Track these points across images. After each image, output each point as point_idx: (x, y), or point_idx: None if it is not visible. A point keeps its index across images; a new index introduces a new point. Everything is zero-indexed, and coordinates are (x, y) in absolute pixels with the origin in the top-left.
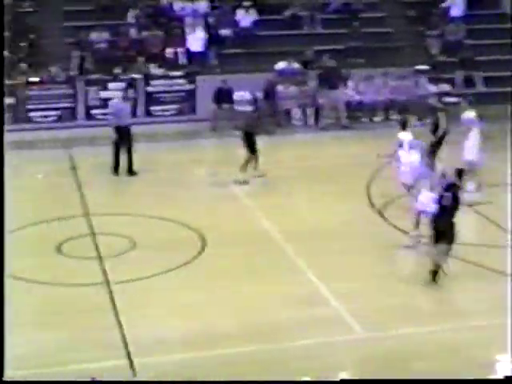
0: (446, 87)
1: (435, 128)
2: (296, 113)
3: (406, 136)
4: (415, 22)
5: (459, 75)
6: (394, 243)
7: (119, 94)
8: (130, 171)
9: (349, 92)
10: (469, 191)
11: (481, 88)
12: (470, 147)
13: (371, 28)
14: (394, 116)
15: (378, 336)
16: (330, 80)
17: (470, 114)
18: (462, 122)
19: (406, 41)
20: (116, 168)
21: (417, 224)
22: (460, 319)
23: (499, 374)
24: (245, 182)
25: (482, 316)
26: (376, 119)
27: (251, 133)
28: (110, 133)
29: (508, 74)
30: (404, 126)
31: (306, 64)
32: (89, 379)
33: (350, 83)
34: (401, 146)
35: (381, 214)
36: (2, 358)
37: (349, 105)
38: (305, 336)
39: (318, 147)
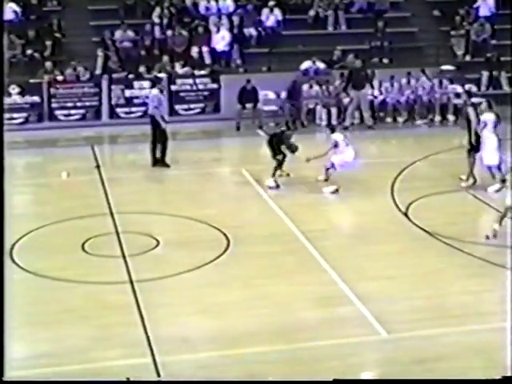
0: (470, 88)
1: (468, 124)
2: (320, 112)
3: (338, 136)
4: (440, 22)
5: (484, 75)
6: (418, 244)
7: (157, 86)
8: (163, 162)
9: (373, 92)
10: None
11: (506, 88)
12: (491, 151)
13: (396, 28)
14: (419, 116)
15: (402, 337)
16: (355, 80)
17: (488, 117)
18: (480, 124)
19: (431, 40)
20: (155, 160)
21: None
22: (484, 320)
23: None
24: (277, 186)
25: (500, 318)
26: (400, 119)
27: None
28: (133, 131)
29: None
30: (333, 130)
31: (330, 64)
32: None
33: (374, 83)
34: (336, 146)
35: (405, 214)
36: (1, 358)
37: (373, 105)
38: (329, 336)
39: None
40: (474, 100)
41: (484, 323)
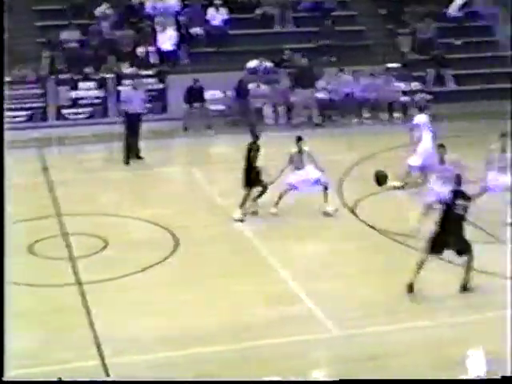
0: (416, 85)
1: None
2: (268, 111)
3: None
4: (386, 20)
5: (430, 73)
6: (367, 241)
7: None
8: (138, 156)
9: (321, 90)
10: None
11: (451, 86)
12: (421, 152)
13: (343, 26)
14: (366, 114)
15: (352, 334)
16: (302, 78)
17: (421, 118)
18: (412, 125)
19: (378, 39)
20: (127, 157)
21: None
22: (435, 316)
23: (473, 372)
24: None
25: (457, 312)
26: (347, 117)
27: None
28: (80, 132)
29: (478, 71)
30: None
31: (277, 63)
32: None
33: (321, 81)
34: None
35: (353, 212)
36: (1, 358)
37: (321, 103)
38: (279, 335)
39: (289, 146)
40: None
41: (433, 319)
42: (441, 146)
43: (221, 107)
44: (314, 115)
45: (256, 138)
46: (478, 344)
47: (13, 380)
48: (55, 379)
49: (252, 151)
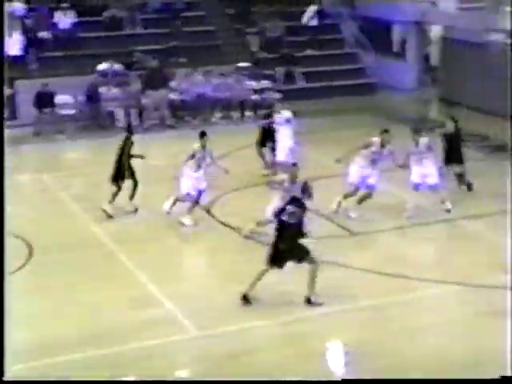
0: (266, 84)
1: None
2: (119, 114)
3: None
4: (235, 20)
5: (279, 71)
6: (224, 240)
7: None
8: None
9: (172, 92)
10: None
11: (301, 83)
12: (284, 147)
13: (192, 27)
14: (218, 114)
15: (212, 334)
16: (153, 80)
17: (285, 114)
18: (277, 121)
19: (227, 39)
20: None
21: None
22: (292, 311)
23: (336, 363)
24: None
25: (316, 305)
26: (199, 118)
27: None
28: None
29: (326, 69)
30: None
31: (128, 65)
32: None
33: (173, 83)
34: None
35: (208, 212)
36: (1, 358)
37: (172, 104)
38: (140, 338)
39: (141, 148)
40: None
41: (293, 314)
42: (385, 131)
43: (72, 112)
44: (166, 117)
45: (130, 132)
46: (337, 336)
47: (13, 380)
48: None
49: (126, 146)
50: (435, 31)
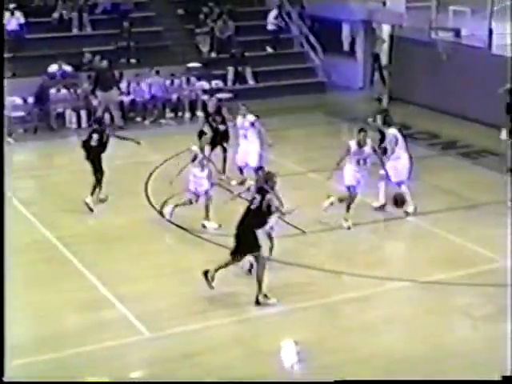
0: (217, 84)
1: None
2: (70, 116)
3: None
4: (184, 21)
5: (230, 71)
6: (176, 241)
7: None
8: None
9: (121, 92)
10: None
11: (251, 83)
12: (256, 152)
13: (141, 28)
14: (169, 114)
15: (166, 334)
16: (103, 81)
17: (250, 117)
18: (243, 126)
19: (177, 39)
20: None
21: None
22: (241, 311)
23: (286, 362)
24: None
25: (265, 305)
26: (150, 118)
27: None
28: None
29: (276, 68)
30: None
31: (77, 66)
32: None
33: (122, 83)
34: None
35: (161, 213)
36: (1, 358)
37: (122, 105)
38: (94, 341)
39: None
40: (222, 96)
41: (244, 314)
42: (361, 130)
43: (21, 114)
44: (116, 118)
45: (104, 127)
46: (288, 335)
47: (13, 380)
48: None
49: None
50: (384, 30)
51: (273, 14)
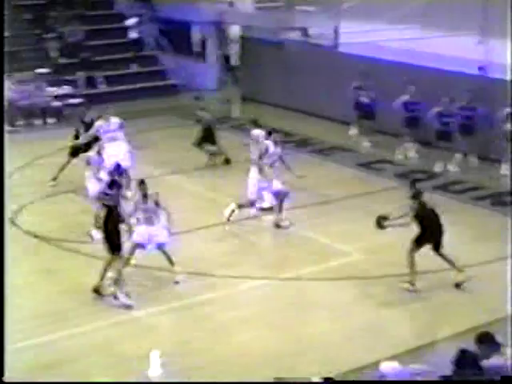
0: (68, 89)
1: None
2: None
3: None
4: (33, 25)
5: (81, 76)
6: (31, 250)
7: None
8: None
9: None
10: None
11: (102, 87)
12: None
13: None
14: (20, 121)
15: (24, 346)
16: None
17: (115, 120)
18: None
19: (26, 45)
20: None
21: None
22: (105, 316)
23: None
24: None
25: (116, 312)
26: None
27: None
28: None
29: (127, 71)
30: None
31: None
32: None
33: None
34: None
35: (13, 221)
36: (1, 358)
37: None
38: None
39: None
40: (72, 101)
41: (100, 320)
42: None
43: None
44: None
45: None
46: (148, 338)
47: (13, 381)
48: None
49: None
50: (234, 31)
51: (132, 21)
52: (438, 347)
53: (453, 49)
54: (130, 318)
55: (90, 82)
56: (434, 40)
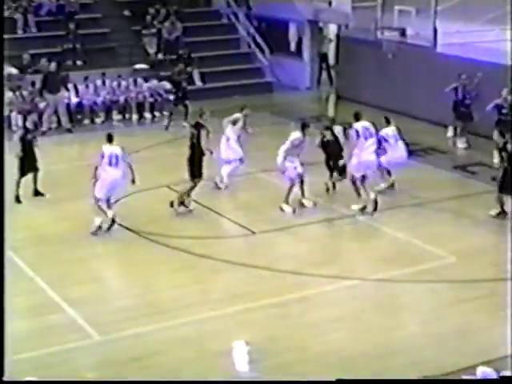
0: (166, 85)
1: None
2: (15, 119)
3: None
4: (131, 22)
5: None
6: (124, 243)
7: None
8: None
9: (69, 95)
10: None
11: (199, 84)
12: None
13: (87, 29)
14: (116, 116)
15: (114, 338)
16: (49, 84)
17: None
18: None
19: (123, 41)
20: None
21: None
22: (192, 312)
23: (236, 362)
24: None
25: (208, 308)
26: (97, 120)
27: None
28: None
29: (223, 69)
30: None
31: (22, 68)
32: None
33: (69, 86)
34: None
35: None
36: (1, 358)
37: (69, 108)
38: (42, 345)
39: (41, 153)
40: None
41: (192, 315)
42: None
43: None
44: (63, 120)
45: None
46: (238, 335)
47: (13, 380)
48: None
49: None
50: (331, 30)
51: None
52: None
53: None
54: (222, 314)
55: (187, 79)
56: None
